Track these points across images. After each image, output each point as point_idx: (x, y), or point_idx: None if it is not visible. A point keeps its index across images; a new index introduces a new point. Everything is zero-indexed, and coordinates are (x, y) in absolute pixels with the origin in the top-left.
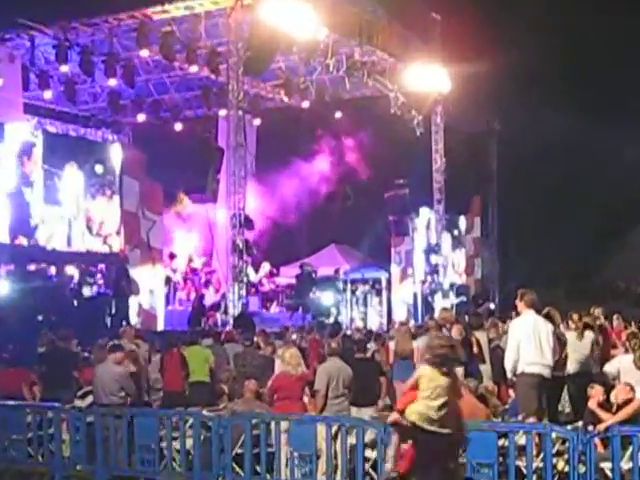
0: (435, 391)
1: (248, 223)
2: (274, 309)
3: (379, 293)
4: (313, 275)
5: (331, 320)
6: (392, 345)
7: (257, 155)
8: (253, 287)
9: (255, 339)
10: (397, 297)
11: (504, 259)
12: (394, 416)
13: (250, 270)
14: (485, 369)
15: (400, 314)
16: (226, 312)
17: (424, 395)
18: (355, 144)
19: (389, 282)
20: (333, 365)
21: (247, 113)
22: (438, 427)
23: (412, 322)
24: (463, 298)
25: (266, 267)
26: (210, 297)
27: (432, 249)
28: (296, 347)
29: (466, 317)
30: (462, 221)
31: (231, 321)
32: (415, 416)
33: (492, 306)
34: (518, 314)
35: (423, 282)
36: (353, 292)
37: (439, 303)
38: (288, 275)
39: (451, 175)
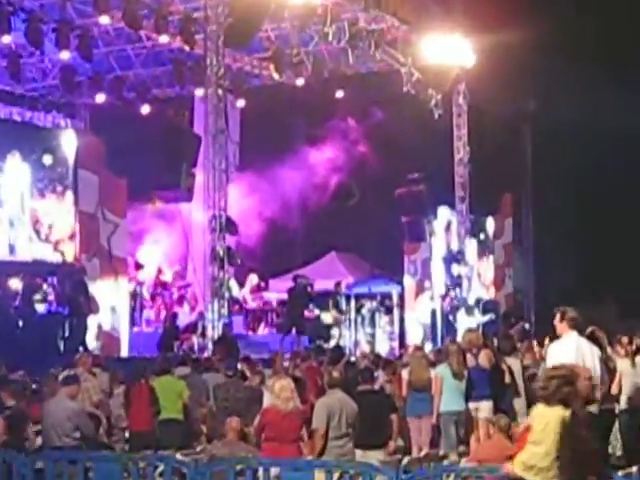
0: (543, 434)
1: (230, 226)
2: (262, 331)
3: (389, 311)
4: (309, 289)
5: (331, 344)
6: (405, 374)
7: (241, 144)
8: (237, 304)
9: (239, 367)
10: (411, 316)
11: (541, 269)
12: (507, 467)
13: (233, 283)
14: (519, 403)
15: (415, 336)
16: (204, 334)
17: (531, 439)
18: (360, 130)
19: (401, 298)
20: (334, 399)
21: (229, 93)
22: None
23: (429, 346)
24: (492, 316)
25: (253, 280)
26: (185, 316)
27: (454, 257)
28: (289, 377)
29: (495, 340)
30: (490, 223)
31: (210, 345)
32: (519, 466)
33: (527, 326)
34: (558, 336)
35: (443, 297)
36: (358, 310)
37: (463, 322)
38: (279, 289)
39: (477, 167)
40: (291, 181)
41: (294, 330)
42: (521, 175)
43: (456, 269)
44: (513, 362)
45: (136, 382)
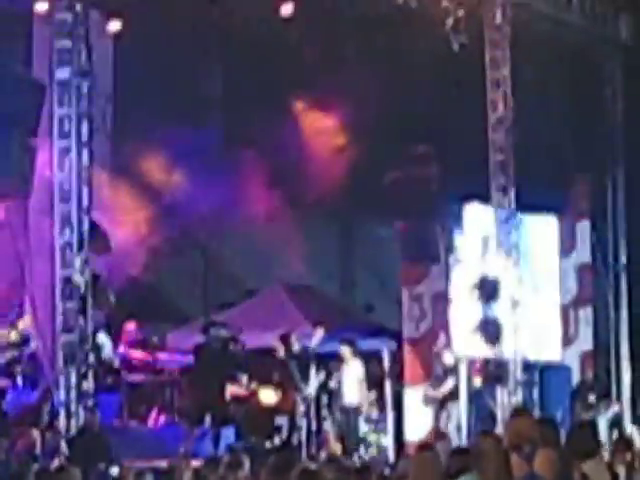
0: None
1: (98, 239)
2: (153, 420)
3: (376, 384)
4: (233, 347)
5: (276, 442)
6: None
7: (117, 97)
8: (110, 374)
9: None
10: (415, 392)
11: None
12: None
13: (104, 338)
14: None
15: (420, 427)
16: (51, 426)
17: None
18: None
19: (397, 360)
20: None
21: (92, 7)
22: None
23: (445, 443)
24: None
25: (132, 332)
26: (18, 397)
27: (490, 291)
28: None
29: (563, 431)
30: (551, 228)
31: (64, 445)
32: None
33: (617, 408)
34: None
35: (471, 361)
36: (323, 384)
37: (505, 402)
38: (183, 348)
39: (528, 135)
40: (198, 164)
41: (208, 419)
42: (606, 149)
43: (494, 311)
44: (595, 468)
45: None
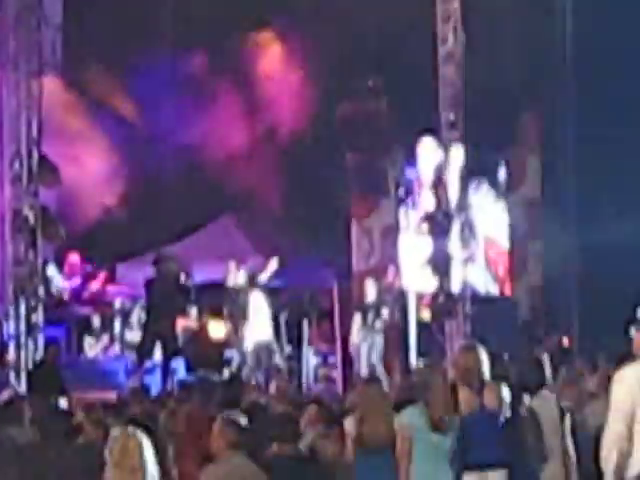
0: None
1: (47, 171)
2: (103, 351)
3: (325, 316)
4: (183, 280)
5: (225, 374)
6: (350, 425)
7: (66, 28)
8: (59, 306)
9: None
10: (363, 325)
11: (591, 243)
12: None
13: (53, 270)
14: (552, 472)
15: (368, 360)
16: (2, 360)
17: None
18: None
19: (346, 294)
20: (230, 468)
21: None
22: None
23: (388, 379)
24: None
25: (74, 260)
26: None
27: (439, 226)
28: (147, 432)
29: (511, 366)
30: (501, 166)
31: (13, 379)
32: None
33: (565, 341)
34: (627, 358)
35: (420, 296)
36: (273, 316)
37: (453, 336)
38: (133, 280)
39: (477, 68)
40: (154, 89)
41: (159, 350)
42: (555, 80)
43: (443, 245)
44: (542, 403)
45: None
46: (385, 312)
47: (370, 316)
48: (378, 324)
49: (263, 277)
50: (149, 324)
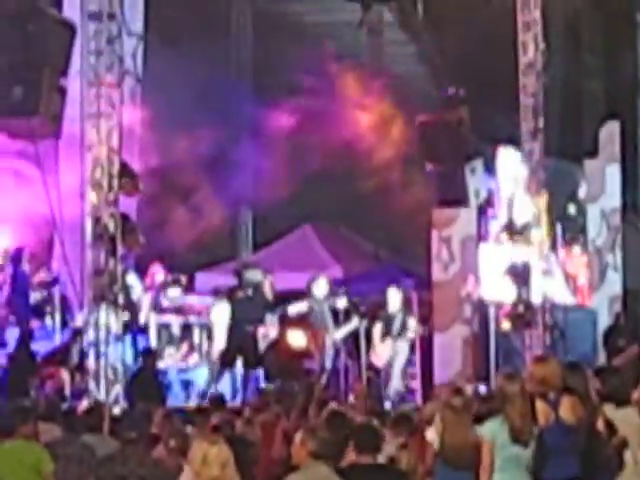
0: None
1: (129, 178)
2: (182, 359)
3: (404, 327)
4: (265, 290)
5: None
6: (432, 436)
7: (147, 37)
8: (139, 314)
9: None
10: (444, 336)
11: None
12: None
13: (133, 278)
14: None
15: (449, 371)
16: (80, 367)
17: None
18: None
19: (427, 303)
20: (312, 478)
21: None
22: None
23: (471, 388)
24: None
25: (158, 273)
26: (47, 336)
27: (519, 232)
28: (225, 440)
29: (589, 375)
30: (581, 175)
31: (93, 386)
32: None
33: None
34: None
35: (499, 305)
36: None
37: (533, 346)
38: (211, 288)
39: (559, 79)
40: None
41: (240, 360)
42: (635, 89)
43: (523, 255)
44: (622, 414)
45: None
46: (412, 322)
47: (396, 325)
48: (405, 334)
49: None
50: (232, 329)
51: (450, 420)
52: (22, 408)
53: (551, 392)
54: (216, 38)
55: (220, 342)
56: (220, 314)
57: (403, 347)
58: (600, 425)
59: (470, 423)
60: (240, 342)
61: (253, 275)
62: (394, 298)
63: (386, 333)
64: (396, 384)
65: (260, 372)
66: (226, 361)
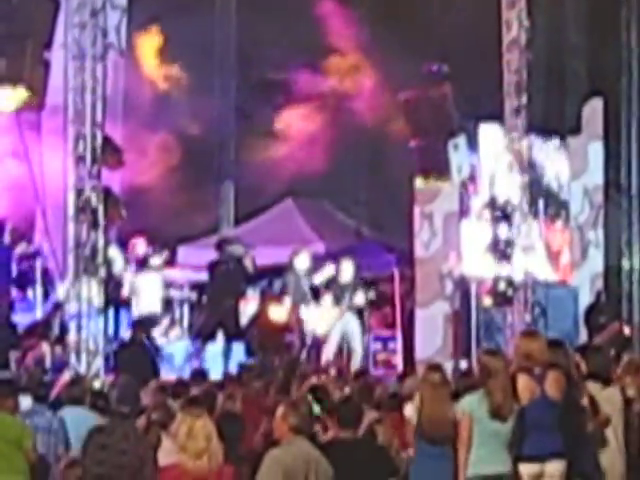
0: None
1: (111, 152)
2: (163, 334)
3: (387, 302)
4: (247, 264)
5: (285, 358)
6: (410, 412)
7: (131, 6)
8: (120, 288)
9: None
10: (426, 312)
11: None
12: None
13: (115, 252)
14: (613, 463)
15: (430, 347)
16: (61, 340)
17: None
18: None
19: (409, 279)
20: (294, 453)
21: None
22: None
23: (451, 365)
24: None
25: (140, 246)
26: (28, 309)
27: (501, 212)
28: (207, 414)
29: (571, 352)
30: (560, 152)
31: (74, 359)
32: None
33: (627, 330)
34: None
35: (480, 282)
36: (335, 300)
37: (514, 323)
38: (194, 264)
39: (543, 55)
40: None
41: (221, 334)
42: (621, 70)
43: (503, 231)
44: (606, 393)
45: None
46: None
47: (346, 297)
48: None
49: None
50: (212, 307)
51: (428, 396)
52: (3, 381)
53: (537, 367)
54: (200, 15)
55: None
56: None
57: (353, 318)
58: (584, 402)
59: (448, 398)
60: (221, 315)
61: (234, 249)
62: (347, 269)
63: (336, 303)
64: (358, 357)
65: (241, 346)
66: (207, 334)
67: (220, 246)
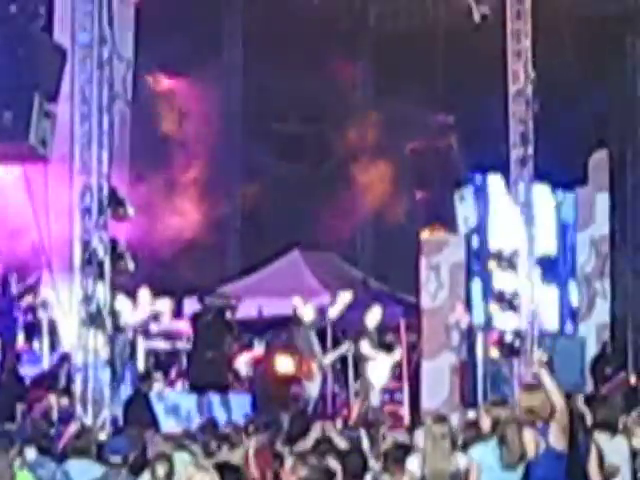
0: None
1: (118, 205)
2: (168, 385)
3: (390, 349)
4: (228, 315)
5: (292, 411)
6: (413, 466)
7: (137, 63)
8: (128, 339)
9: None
10: (432, 363)
11: None
12: None
13: (123, 301)
14: None
15: (435, 396)
16: (68, 391)
17: None
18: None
19: (415, 330)
20: None
21: None
22: None
23: (458, 417)
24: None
25: (145, 297)
26: (35, 360)
27: (508, 263)
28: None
29: (579, 403)
30: (569, 203)
31: (80, 410)
32: None
33: (632, 380)
34: None
35: (484, 328)
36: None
37: (522, 374)
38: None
39: (549, 106)
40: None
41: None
42: (626, 120)
43: (512, 283)
44: (613, 443)
45: None
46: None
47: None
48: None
49: (333, 312)
50: (195, 360)
51: (430, 448)
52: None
53: (539, 419)
54: (207, 64)
55: None
56: None
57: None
58: (593, 453)
59: (449, 451)
60: (204, 367)
61: (215, 301)
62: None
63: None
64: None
65: (247, 399)
66: (193, 387)
67: (202, 298)
